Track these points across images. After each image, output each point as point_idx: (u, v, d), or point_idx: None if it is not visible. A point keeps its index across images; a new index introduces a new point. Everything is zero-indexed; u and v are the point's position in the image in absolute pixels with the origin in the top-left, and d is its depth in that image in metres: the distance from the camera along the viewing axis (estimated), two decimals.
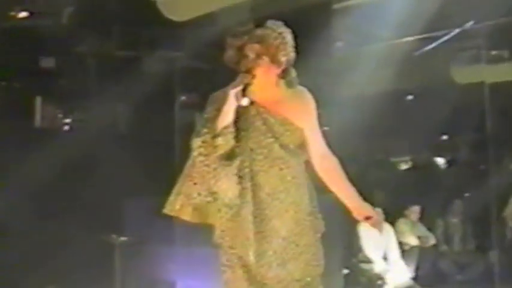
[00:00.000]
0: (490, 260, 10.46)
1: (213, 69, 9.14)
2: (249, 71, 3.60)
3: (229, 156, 3.58)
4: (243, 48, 3.66)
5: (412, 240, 10.17)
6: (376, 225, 3.91)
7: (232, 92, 3.53)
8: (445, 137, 12.07)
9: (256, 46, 3.63)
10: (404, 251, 9.71)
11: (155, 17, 7.71)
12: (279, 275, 3.58)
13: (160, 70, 8.36)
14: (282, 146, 3.64)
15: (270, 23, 3.71)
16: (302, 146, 3.74)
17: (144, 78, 8.17)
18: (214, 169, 3.57)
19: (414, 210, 10.49)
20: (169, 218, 3.75)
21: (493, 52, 9.88)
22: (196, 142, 3.63)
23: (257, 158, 3.62)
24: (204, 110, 3.74)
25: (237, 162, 3.58)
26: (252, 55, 3.63)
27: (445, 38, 8.90)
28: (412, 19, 7.68)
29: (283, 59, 3.66)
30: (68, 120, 9.26)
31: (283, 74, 3.72)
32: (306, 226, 3.68)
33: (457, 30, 8.52)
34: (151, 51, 8.44)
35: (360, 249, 9.24)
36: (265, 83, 3.68)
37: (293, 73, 3.75)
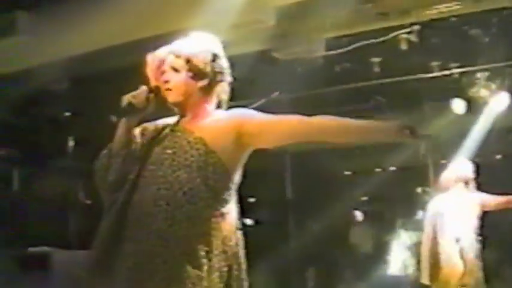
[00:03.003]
0: None
1: (29, 124, 9.11)
2: (158, 89, 3.22)
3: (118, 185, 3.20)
4: (162, 64, 3.27)
5: None
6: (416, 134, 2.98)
7: (123, 98, 3.17)
8: (252, 200, 12.48)
9: (172, 58, 3.25)
10: None
11: None
12: None
13: None
14: (174, 167, 3.13)
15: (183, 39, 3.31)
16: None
17: None
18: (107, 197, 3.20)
19: None
20: None
21: None
22: (96, 164, 3.28)
23: (144, 173, 3.17)
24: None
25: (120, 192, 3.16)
26: (167, 68, 3.25)
27: (250, 107, 9.23)
28: None
29: (207, 72, 3.24)
30: None
31: (213, 96, 3.30)
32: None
33: (262, 100, 8.89)
34: None
35: None
36: (184, 103, 3.26)
37: (224, 99, 3.33)
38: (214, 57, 3.28)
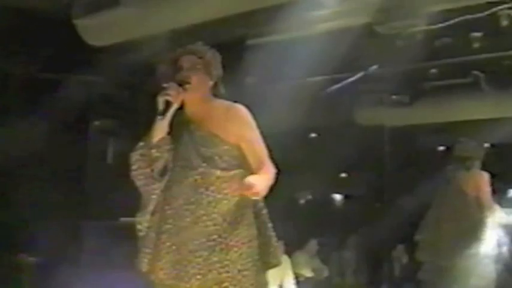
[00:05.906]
0: None
1: (129, 96, 9.28)
2: (183, 83, 3.68)
3: (163, 173, 3.68)
4: (178, 61, 3.80)
5: (307, 272, 10.54)
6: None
7: (159, 99, 3.62)
8: (344, 175, 12.48)
9: (192, 57, 3.78)
10: (299, 282, 10.02)
11: (75, 41, 7.71)
12: None
13: (77, 94, 8.32)
14: (202, 158, 3.61)
15: (197, 45, 3.90)
16: (240, 161, 3.71)
17: (60, 102, 8.12)
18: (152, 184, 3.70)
19: (312, 244, 10.88)
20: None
21: (394, 97, 10.39)
22: (133, 156, 3.73)
23: (175, 169, 3.65)
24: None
25: (165, 178, 3.68)
26: (187, 65, 3.76)
27: (350, 80, 9.25)
28: (319, 60, 7.94)
29: (214, 72, 3.81)
30: None
31: (214, 89, 3.83)
32: (218, 243, 3.56)
33: (361, 73, 8.90)
34: (70, 75, 8.38)
35: None
36: (198, 96, 3.76)
37: (222, 89, 3.86)
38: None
